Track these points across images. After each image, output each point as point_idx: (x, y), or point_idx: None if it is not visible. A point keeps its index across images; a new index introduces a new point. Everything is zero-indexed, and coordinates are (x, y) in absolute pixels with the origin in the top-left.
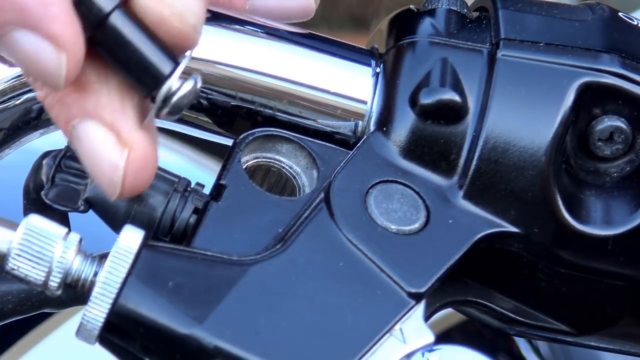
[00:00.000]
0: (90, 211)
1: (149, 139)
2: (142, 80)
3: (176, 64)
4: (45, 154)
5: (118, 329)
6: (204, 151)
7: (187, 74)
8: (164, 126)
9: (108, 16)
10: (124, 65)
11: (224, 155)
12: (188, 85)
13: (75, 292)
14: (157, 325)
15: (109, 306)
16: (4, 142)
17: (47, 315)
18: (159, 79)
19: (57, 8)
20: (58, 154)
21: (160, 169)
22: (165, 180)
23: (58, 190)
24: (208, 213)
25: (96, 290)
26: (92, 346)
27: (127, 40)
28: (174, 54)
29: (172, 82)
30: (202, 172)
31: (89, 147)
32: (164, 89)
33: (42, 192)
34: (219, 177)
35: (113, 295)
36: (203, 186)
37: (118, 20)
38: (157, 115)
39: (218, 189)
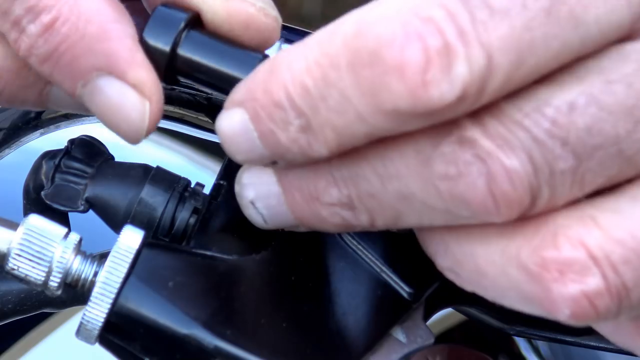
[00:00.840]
0: (90, 211)
1: (159, 82)
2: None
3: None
4: (45, 154)
5: (118, 329)
6: (204, 151)
7: None
8: (164, 126)
9: (175, 49)
10: (208, 85)
11: (223, 155)
12: None
13: (75, 292)
14: (157, 325)
15: (109, 306)
16: (4, 142)
17: (47, 315)
18: None
19: (142, 55)
20: (58, 154)
21: (160, 169)
22: (165, 180)
23: (58, 190)
24: (208, 213)
25: (96, 290)
26: (92, 346)
27: (202, 64)
28: (251, 55)
29: None
30: (202, 172)
31: (109, 102)
32: None
33: (42, 192)
34: (219, 177)
35: (113, 295)
36: (203, 186)
37: (187, 48)
38: None
39: (218, 189)
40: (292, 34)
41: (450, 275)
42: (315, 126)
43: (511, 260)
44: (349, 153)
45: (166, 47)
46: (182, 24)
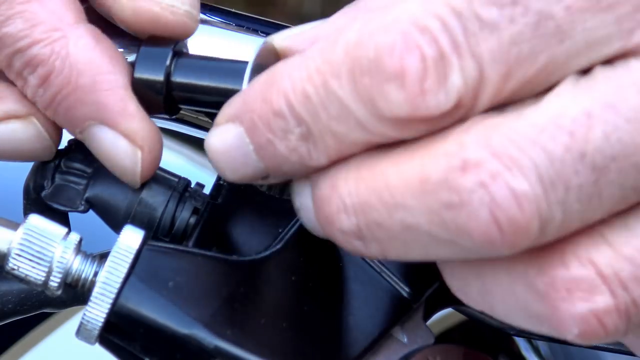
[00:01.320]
0: (90, 211)
1: (154, 130)
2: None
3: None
4: None
5: (118, 329)
6: (204, 151)
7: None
8: (164, 126)
9: (169, 78)
10: (209, 104)
11: None
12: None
13: (76, 292)
14: (157, 325)
15: (109, 306)
16: None
17: (47, 315)
18: None
19: (135, 106)
20: (58, 154)
21: (160, 169)
22: (166, 180)
23: (58, 190)
24: (208, 213)
25: (96, 290)
26: (92, 346)
27: (197, 85)
28: (242, 66)
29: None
30: (202, 172)
31: (103, 149)
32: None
33: (42, 192)
34: (219, 177)
35: (113, 295)
36: (203, 186)
37: (180, 74)
38: None
39: (218, 189)
40: None
41: (459, 295)
42: (316, 133)
43: (518, 279)
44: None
45: (160, 77)
46: (170, 54)
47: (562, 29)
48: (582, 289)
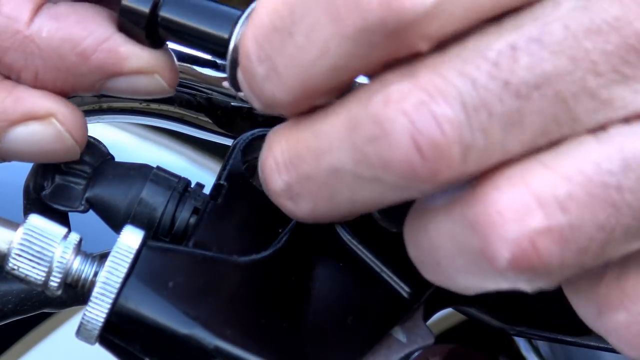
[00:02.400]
0: (90, 211)
1: (48, 94)
2: (213, 52)
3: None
4: None
5: (118, 329)
6: (204, 151)
7: None
8: (164, 126)
9: (153, 13)
10: (191, 44)
11: (224, 155)
12: None
13: (76, 292)
14: (157, 325)
15: (109, 306)
16: None
17: (47, 315)
18: (223, 46)
19: (127, 42)
20: None
21: (160, 169)
22: (166, 180)
23: (58, 190)
24: (208, 213)
25: (96, 290)
26: (92, 346)
27: (182, 24)
28: (231, 12)
29: (233, 44)
30: (202, 172)
31: (26, 148)
32: (229, 54)
33: (42, 192)
34: (219, 177)
35: (113, 295)
36: (203, 186)
37: (168, 10)
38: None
39: (218, 189)
40: None
41: (418, 266)
42: (279, 68)
43: (456, 220)
44: (287, 131)
45: (145, 9)
46: None
47: None
48: (514, 210)
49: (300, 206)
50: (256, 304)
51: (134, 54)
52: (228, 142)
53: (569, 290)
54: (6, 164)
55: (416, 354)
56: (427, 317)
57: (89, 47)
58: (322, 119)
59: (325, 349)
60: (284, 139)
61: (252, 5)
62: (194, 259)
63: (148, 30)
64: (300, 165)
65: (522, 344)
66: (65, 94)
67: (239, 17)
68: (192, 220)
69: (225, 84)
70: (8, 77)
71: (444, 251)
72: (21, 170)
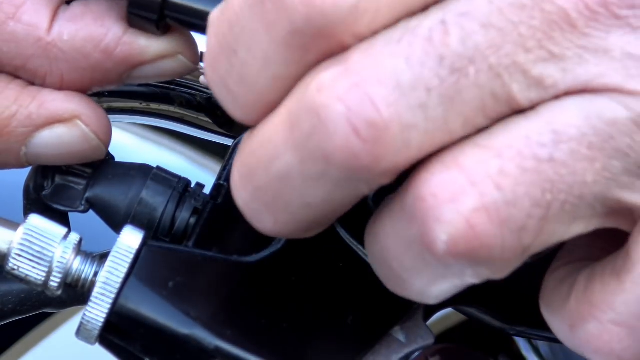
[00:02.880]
0: (90, 211)
1: (72, 95)
2: None
3: None
4: None
5: (118, 329)
6: (204, 151)
7: None
8: (164, 126)
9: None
10: (197, 28)
11: (224, 155)
12: None
13: (76, 292)
14: (157, 326)
15: (109, 306)
16: None
17: (47, 315)
18: None
19: (139, 33)
20: None
21: (160, 169)
22: (166, 180)
23: (58, 190)
24: (208, 213)
25: (96, 290)
26: (92, 346)
27: (191, 8)
28: None
29: None
30: (202, 172)
31: (53, 152)
32: None
33: (43, 192)
34: (219, 177)
35: (113, 296)
36: (203, 186)
37: None
38: None
39: (218, 189)
40: None
41: (379, 275)
42: (232, 87)
43: (396, 214)
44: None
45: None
46: None
47: None
48: (448, 191)
49: (263, 222)
50: (256, 304)
51: (154, 40)
52: (228, 142)
53: (545, 312)
54: None
55: (416, 354)
56: (427, 317)
57: (111, 42)
58: (267, 125)
59: (325, 349)
60: (240, 155)
61: None
62: (194, 259)
63: (159, 18)
64: (253, 178)
65: (522, 344)
66: (90, 89)
67: None
68: (192, 220)
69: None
70: (32, 83)
71: (392, 252)
72: (21, 171)
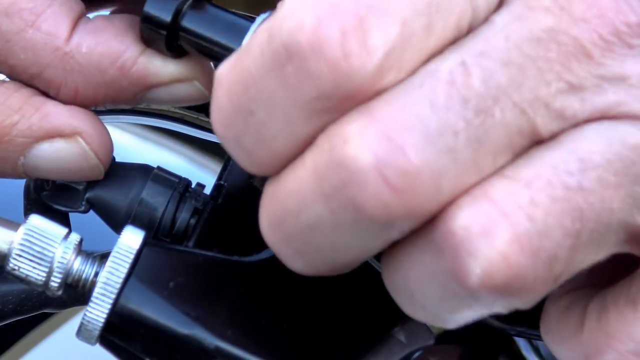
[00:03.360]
0: (91, 211)
1: (77, 110)
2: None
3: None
4: None
5: (119, 329)
6: (204, 151)
7: None
8: (164, 126)
9: (175, 23)
10: (207, 54)
11: (224, 155)
12: None
13: (76, 292)
14: (157, 326)
15: (109, 306)
16: None
17: (48, 316)
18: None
19: (158, 55)
20: None
21: (160, 169)
22: (166, 180)
23: (58, 190)
24: (208, 213)
25: (97, 291)
26: (92, 347)
27: (199, 34)
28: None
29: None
30: (202, 172)
31: (50, 165)
32: None
33: (43, 193)
34: (219, 178)
35: (114, 296)
36: (203, 186)
37: (187, 21)
38: None
39: (218, 189)
40: None
41: (395, 299)
42: (247, 145)
43: (425, 247)
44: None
45: (167, 18)
46: None
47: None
48: (480, 224)
49: (295, 264)
50: (257, 304)
51: (170, 63)
52: None
53: (550, 341)
54: None
55: (416, 354)
56: None
57: (128, 60)
58: (292, 176)
59: (325, 348)
60: (266, 202)
61: (263, 16)
62: (194, 259)
63: (168, 39)
64: (282, 226)
65: (522, 344)
66: (104, 105)
67: (248, 29)
68: (193, 220)
69: None
70: (45, 93)
71: (415, 281)
72: None
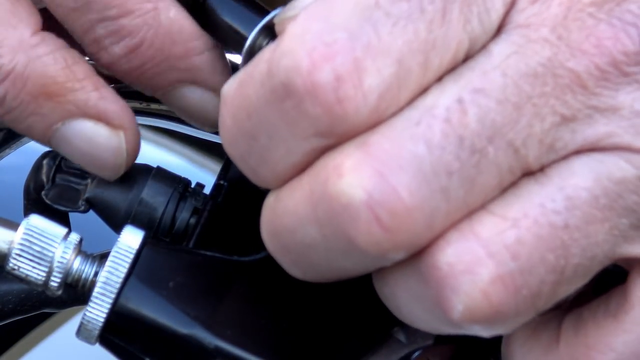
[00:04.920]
0: (91, 211)
1: (128, 108)
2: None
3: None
4: (46, 154)
5: (118, 329)
6: (204, 151)
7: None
8: (164, 126)
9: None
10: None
11: (223, 155)
12: None
13: (76, 292)
14: (157, 325)
15: (109, 306)
16: (4, 142)
17: (47, 315)
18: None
19: (221, 63)
20: (58, 154)
21: (160, 169)
22: (166, 180)
23: (58, 190)
24: (208, 213)
25: (96, 290)
26: (92, 346)
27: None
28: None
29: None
30: (202, 172)
31: (82, 144)
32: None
33: (43, 192)
34: (219, 177)
35: (113, 295)
36: (203, 186)
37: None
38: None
39: (218, 189)
40: None
41: (383, 300)
42: (255, 154)
43: (412, 274)
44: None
45: None
46: None
47: (466, 16)
48: (464, 261)
49: (293, 272)
50: (256, 304)
51: (224, 75)
52: None
53: (524, 357)
54: (6, 164)
55: (416, 354)
56: None
57: (197, 48)
58: (289, 196)
59: (325, 348)
60: (266, 213)
61: (275, 12)
62: (194, 259)
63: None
64: (279, 239)
65: None
66: (142, 75)
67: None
68: (193, 220)
69: None
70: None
71: (402, 300)
72: (21, 171)
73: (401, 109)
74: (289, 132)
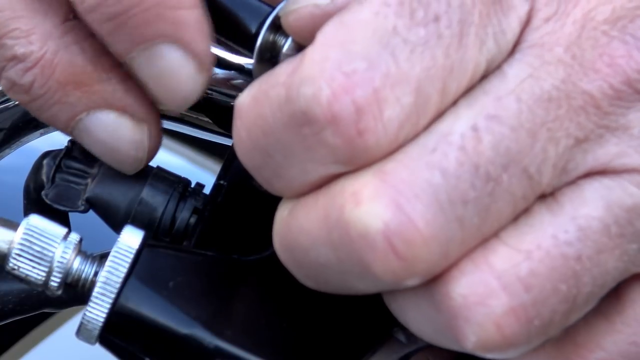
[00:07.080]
0: (91, 211)
1: (152, 103)
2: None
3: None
4: (46, 154)
5: (118, 329)
6: (204, 151)
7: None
8: (164, 126)
9: None
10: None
11: (224, 155)
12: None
13: (76, 292)
14: (157, 325)
15: (109, 306)
16: (4, 142)
17: (48, 315)
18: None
19: (207, 27)
20: (58, 154)
21: (160, 169)
22: (166, 180)
23: (58, 190)
24: (208, 213)
25: (96, 290)
26: (92, 346)
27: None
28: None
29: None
30: (202, 172)
31: (104, 136)
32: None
33: (43, 192)
34: (219, 177)
35: (113, 295)
36: (203, 186)
37: None
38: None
39: (218, 189)
40: None
41: (393, 312)
42: (270, 172)
43: (423, 297)
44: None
45: None
46: None
47: (480, 37)
48: (478, 293)
49: (306, 282)
50: (256, 304)
51: (208, 40)
52: (228, 142)
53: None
54: (6, 164)
55: (415, 353)
56: None
57: (189, 0)
58: (304, 214)
59: (325, 348)
60: (279, 225)
61: (279, 7)
62: (194, 259)
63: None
64: (292, 254)
65: None
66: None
67: (268, 15)
68: (192, 220)
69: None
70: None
71: (412, 317)
72: (21, 171)
73: (418, 135)
74: (306, 156)
